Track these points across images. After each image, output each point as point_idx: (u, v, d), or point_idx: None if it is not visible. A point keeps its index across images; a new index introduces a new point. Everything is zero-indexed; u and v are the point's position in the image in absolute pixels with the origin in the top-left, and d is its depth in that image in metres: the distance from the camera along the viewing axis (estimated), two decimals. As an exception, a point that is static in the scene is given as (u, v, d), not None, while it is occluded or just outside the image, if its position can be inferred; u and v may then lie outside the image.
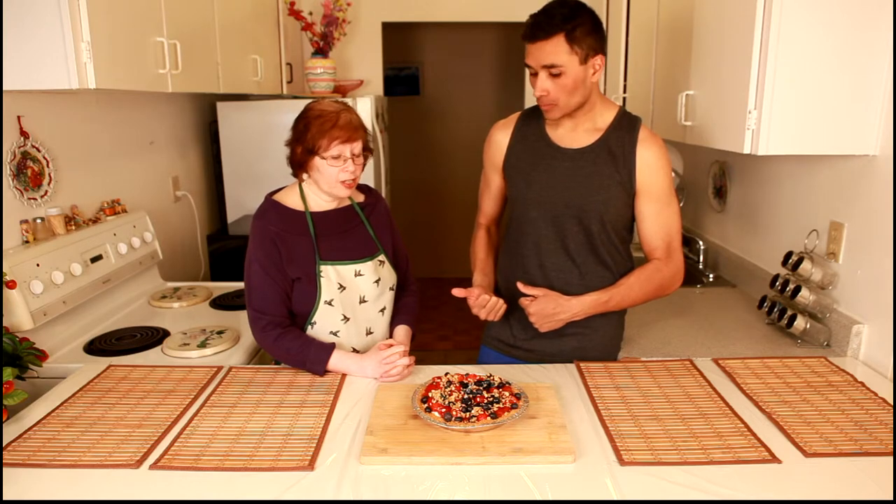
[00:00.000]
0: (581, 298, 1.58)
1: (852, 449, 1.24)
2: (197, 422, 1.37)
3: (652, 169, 1.59)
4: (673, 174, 2.80)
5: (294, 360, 1.58)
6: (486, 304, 1.63)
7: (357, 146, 1.55)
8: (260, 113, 3.11)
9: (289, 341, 1.57)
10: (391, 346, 1.59)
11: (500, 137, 1.73)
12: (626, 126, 1.61)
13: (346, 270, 1.62)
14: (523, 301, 1.60)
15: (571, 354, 1.68)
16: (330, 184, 1.56)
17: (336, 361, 1.57)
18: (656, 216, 1.62)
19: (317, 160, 1.53)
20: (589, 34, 1.49)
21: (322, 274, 1.59)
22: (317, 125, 1.51)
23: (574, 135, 1.63)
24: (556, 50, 1.48)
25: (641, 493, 1.12)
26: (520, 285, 1.60)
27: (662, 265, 1.63)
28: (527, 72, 1.63)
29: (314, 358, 1.56)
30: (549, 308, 1.56)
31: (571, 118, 1.62)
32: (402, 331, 1.72)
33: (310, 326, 1.62)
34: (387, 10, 4.01)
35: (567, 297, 1.59)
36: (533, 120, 1.70)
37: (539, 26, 1.48)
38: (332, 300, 1.60)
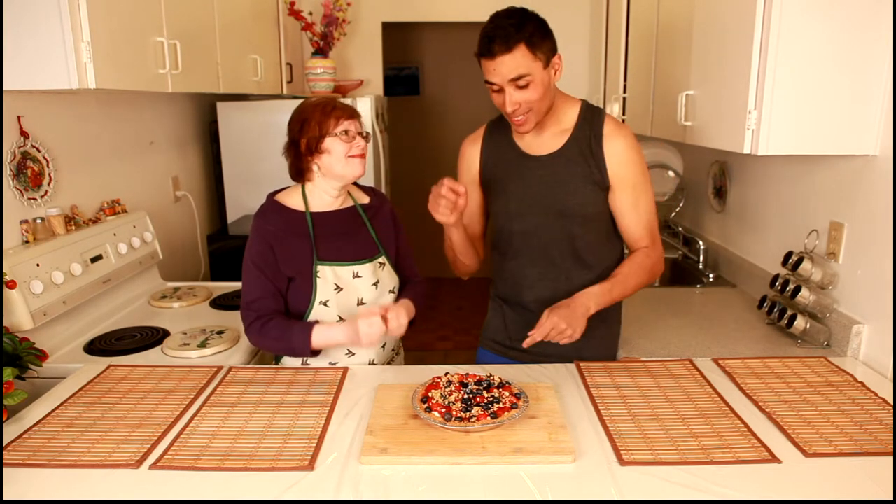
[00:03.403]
0: (584, 291, 1.55)
1: (852, 449, 1.24)
2: (197, 422, 1.37)
3: (622, 160, 1.57)
4: (672, 173, 2.81)
5: (280, 346, 1.59)
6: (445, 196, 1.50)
7: (359, 125, 1.60)
8: (260, 113, 3.11)
9: (271, 329, 1.57)
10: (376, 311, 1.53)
11: (472, 152, 1.71)
12: (590, 122, 1.59)
13: (344, 271, 1.62)
14: (538, 336, 1.49)
15: (570, 355, 1.68)
16: (342, 162, 1.57)
17: (320, 337, 1.55)
18: (634, 206, 1.61)
19: (327, 141, 1.55)
20: (544, 37, 1.47)
21: (318, 274, 1.59)
22: (318, 111, 1.56)
23: (541, 140, 1.62)
24: (521, 61, 1.44)
25: (641, 493, 1.12)
26: (527, 343, 1.49)
27: (650, 251, 1.64)
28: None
29: (297, 339, 1.55)
30: (558, 318, 1.47)
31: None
32: (403, 300, 1.66)
33: (307, 327, 1.62)
34: (387, 10, 4.01)
35: (568, 299, 1.55)
36: (500, 130, 1.68)
37: (498, 40, 1.42)
38: (327, 301, 1.60)
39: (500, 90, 1.49)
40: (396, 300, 1.72)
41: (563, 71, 1.53)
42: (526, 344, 1.48)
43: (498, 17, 1.46)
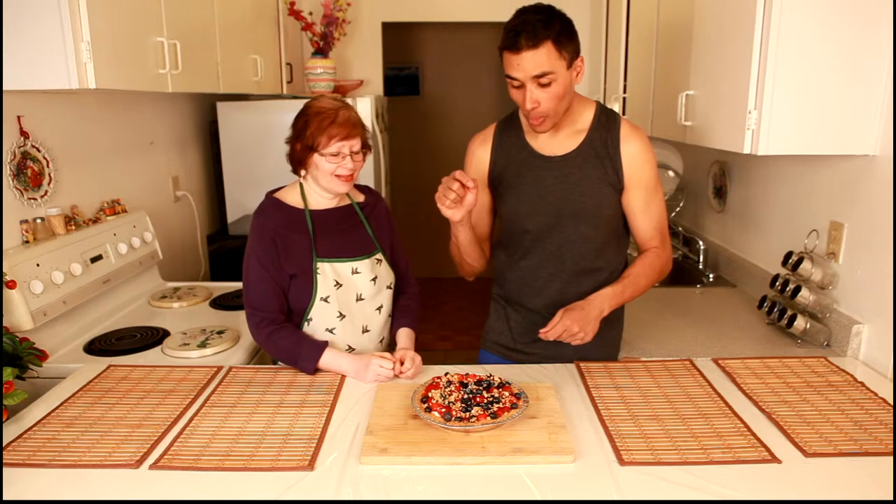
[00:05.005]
0: (598, 293, 1.55)
1: (852, 449, 1.24)
2: (197, 422, 1.37)
3: (638, 162, 1.58)
4: (672, 173, 2.81)
5: (286, 357, 1.60)
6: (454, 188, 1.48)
7: (356, 143, 1.57)
8: (260, 113, 3.11)
9: (282, 338, 1.58)
10: (391, 357, 1.59)
11: (481, 152, 1.69)
12: (605, 124, 1.59)
13: (343, 268, 1.62)
14: (550, 336, 1.49)
15: (573, 357, 1.67)
16: (328, 179, 1.57)
17: (328, 360, 1.58)
18: (646, 207, 1.61)
19: (315, 157, 1.55)
20: (570, 37, 1.46)
21: (319, 270, 1.60)
22: (316, 122, 1.53)
23: (555, 141, 1.61)
24: (546, 58, 1.42)
25: (641, 493, 1.12)
26: (542, 334, 1.51)
27: (660, 251, 1.64)
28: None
29: (305, 356, 1.57)
30: (571, 320, 1.47)
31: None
32: (405, 334, 1.72)
33: (306, 323, 1.63)
34: (387, 10, 4.01)
35: (582, 301, 1.54)
36: (510, 130, 1.67)
37: (525, 35, 1.41)
38: (328, 297, 1.61)
39: (521, 86, 1.47)
40: (393, 321, 1.75)
41: (583, 74, 1.52)
42: (541, 337, 1.49)
43: (525, 13, 1.44)
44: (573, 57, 1.47)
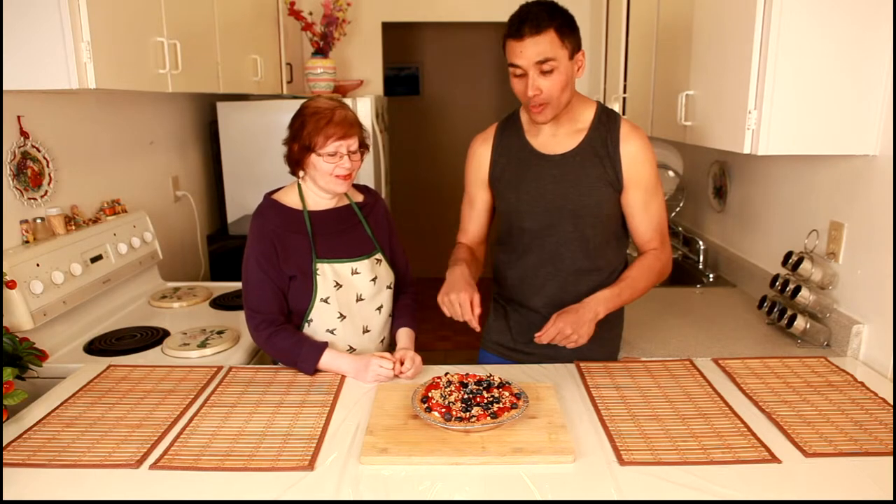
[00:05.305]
0: (593, 296, 1.54)
1: (852, 449, 1.24)
2: (197, 422, 1.37)
3: (637, 162, 1.58)
4: (672, 173, 2.81)
5: (286, 358, 1.60)
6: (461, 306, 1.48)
7: (353, 143, 1.57)
8: (260, 113, 3.11)
9: (281, 339, 1.58)
10: (390, 357, 1.59)
11: (482, 151, 1.70)
12: (606, 124, 1.60)
13: (343, 268, 1.62)
14: (544, 339, 1.49)
15: (573, 358, 1.67)
16: (326, 180, 1.57)
17: (328, 361, 1.57)
18: (646, 207, 1.61)
19: (313, 157, 1.55)
20: (572, 29, 1.49)
21: (318, 271, 1.60)
22: (312, 122, 1.53)
23: (556, 140, 1.61)
24: (548, 45, 1.45)
25: (641, 493, 1.12)
26: (536, 338, 1.50)
27: (660, 253, 1.64)
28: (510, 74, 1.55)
29: (305, 356, 1.57)
30: (564, 323, 1.47)
31: (553, 122, 1.59)
32: (405, 334, 1.72)
33: (306, 324, 1.63)
34: (387, 10, 4.01)
35: (577, 304, 1.53)
36: (511, 129, 1.67)
37: (528, 23, 1.44)
38: (328, 298, 1.61)
39: (523, 75, 1.49)
40: (393, 321, 1.75)
41: (584, 69, 1.54)
42: (535, 341, 1.49)
43: (528, 5, 1.48)
44: (575, 49, 1.49)
